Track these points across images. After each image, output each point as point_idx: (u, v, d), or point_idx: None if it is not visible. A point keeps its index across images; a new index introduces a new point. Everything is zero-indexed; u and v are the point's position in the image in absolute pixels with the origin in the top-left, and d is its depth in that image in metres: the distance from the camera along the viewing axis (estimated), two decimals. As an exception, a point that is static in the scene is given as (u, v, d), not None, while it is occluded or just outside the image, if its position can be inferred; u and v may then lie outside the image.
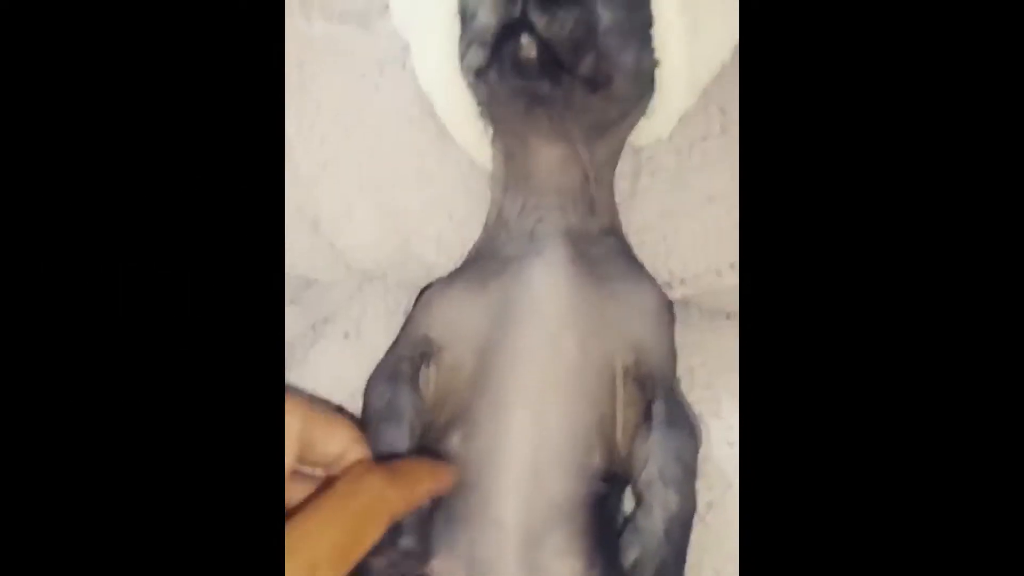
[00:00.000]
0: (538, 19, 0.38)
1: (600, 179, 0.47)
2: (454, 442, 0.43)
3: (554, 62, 0.39)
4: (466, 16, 0.42)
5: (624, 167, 0.50)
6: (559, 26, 0.38)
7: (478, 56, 0.41)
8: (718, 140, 0.49)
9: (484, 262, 0.47)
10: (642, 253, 0.50)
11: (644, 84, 0.44)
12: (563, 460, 0.42)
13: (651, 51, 0.42)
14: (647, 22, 0.42)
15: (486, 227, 0.49)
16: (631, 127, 0.47)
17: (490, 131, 0.47)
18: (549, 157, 0.45)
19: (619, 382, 0.44)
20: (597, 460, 0.42)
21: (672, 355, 0.46)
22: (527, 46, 0.38)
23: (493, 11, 0.39)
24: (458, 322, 0.45)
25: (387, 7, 0.51)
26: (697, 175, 0.50)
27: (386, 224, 0.50)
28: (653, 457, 0.42)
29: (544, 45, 0.38)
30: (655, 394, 0.44)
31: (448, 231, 0.51)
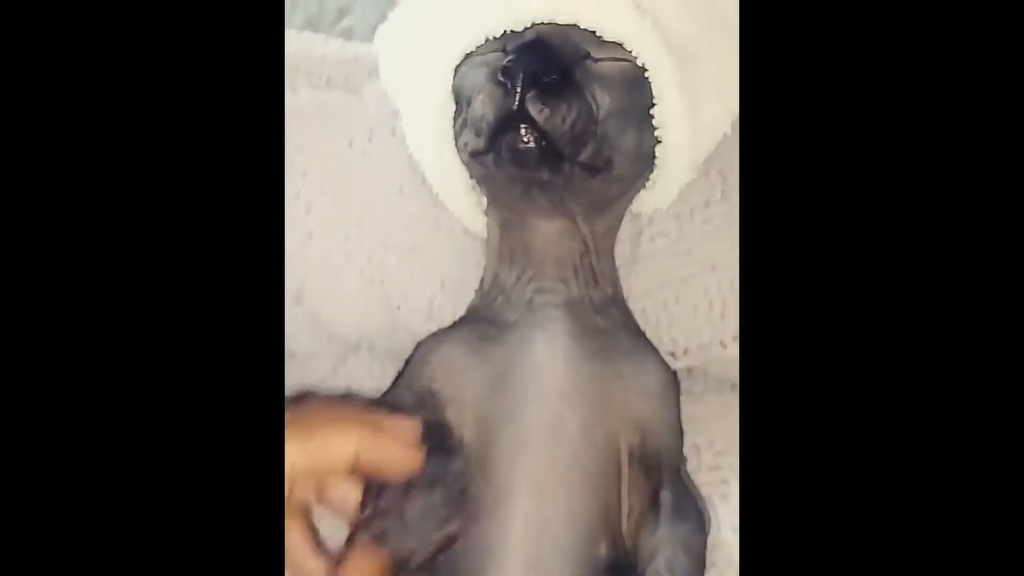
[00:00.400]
0: (536, 112, 0.36)
1: (601, 250, 0.45)
2: (451, 528, 0.40)
3: (553, 153, 0.37)
4: (460, 98, 0.41)
5: (624, 232, 0.48)
6: (559, 119, 0.37)
7: (474, 141, 0.39)
8: (719, 206, 0.48)
9: (481, 325, 0.44)
10: (643, 321, 0.48)
11: (645, 163, 0.43)
12: (568, 551, 0.39)
13: (652, 131, 0.41)
14: (647, 103, 0.40)
15: (480, 291, 0.47)
16: (631, 200, 0.46)
17: (484, 202, 0.46)
18: (548, 230, 0.43)
19: (624, 465, 0.42)
20: (602, 551, 0.40)
21: (679, 434, 0.44)
22: (526, 138, 0.37)
23: (490, 101, 0.38)
24: (458, 380, 0.42)
25: (375, 71, 0.49)
26: (699, 242, 0.48)
27: (373, 293, 0.48)
28: (661, 550, 0.39)
29: (543, 137, 0.37)
30: (662, 480, 0.42)
31: (439, 299, 0.49)
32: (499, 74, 0.37)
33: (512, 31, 0.39)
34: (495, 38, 0.39)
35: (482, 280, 0.47)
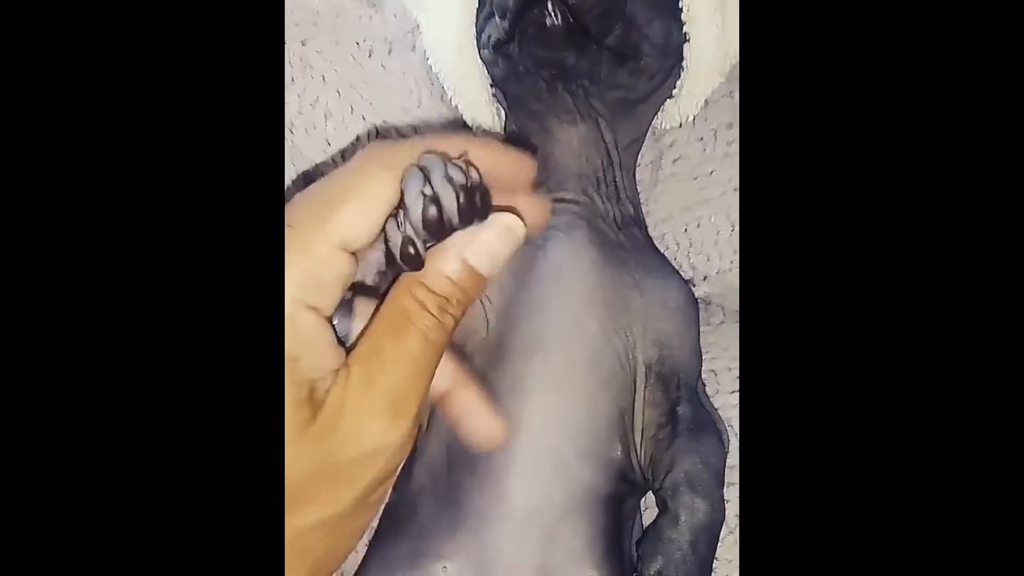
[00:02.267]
0: None
1: (624, 164, 0.44)
2: None
3: (580, 30, 0.36)
4: None
5: (645, 155, 0.47)
6: None
7: (498, 29, 0.38)
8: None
9: None
10: (663, 247, 0.48)
11: (672, 59, 0.41)
12: (583, 448, 0.38)
13: (680, 24, 0.40)
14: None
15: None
16: (656, 107, 0.44)
17: (503, 113, 0.45)
18: (570, 138, 0.42)
19: (640, 378, 0.41)
20: (617, 453, 0.39)
21: (697, 354, 0.43)
22: (552, 12, 0.35)
23: None
24: None
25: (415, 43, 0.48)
26: (720, 164, 0.47)
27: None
28: (679, 462, 0.38)
29: (570, 12, 0.36)
30: (679, 396, 0.41)
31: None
32: None
33: None
34: None
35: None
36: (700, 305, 0.48)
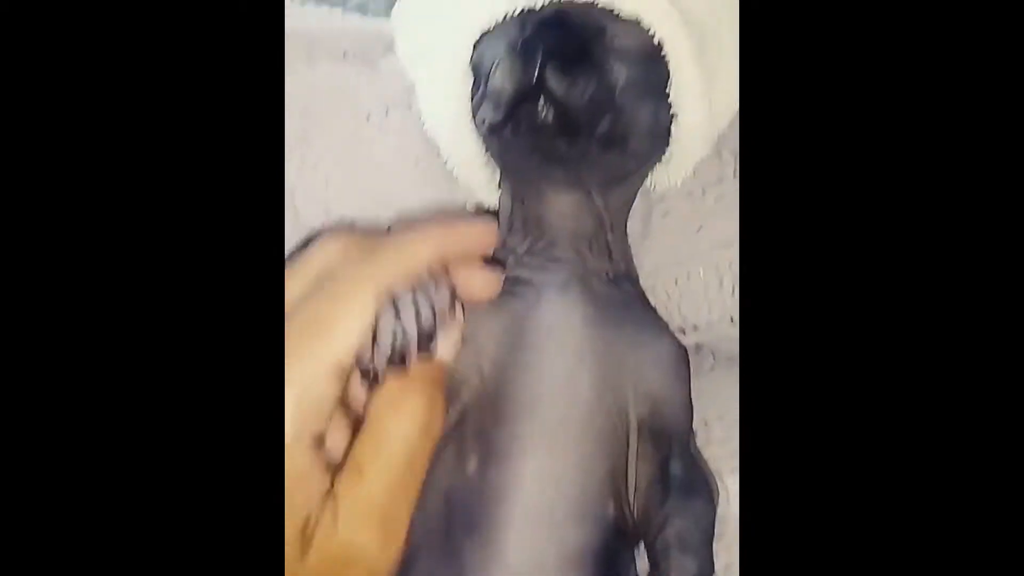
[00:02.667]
0: (555, 85, 0.37)
1: (615, 225, 0.45)
2: (471, 465, 0.41)
3: (570, 124, 0.38)
4: (479, 73, 0.41)
5: (635, 209, 0.49)
6: (578, 92, 0.37)
7: (492, 114, 0.40)
8: (731, 184, 0.48)
9: None
10: (653, 298, 0.49)
11: (660, 138, 0.43)
12: (577, 507, 0.40)
13: (668, 106, 0.41)
14: (664, 78, 0.41)
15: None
16: (646, 175, 0.46)
17: (497, 175, 0.46)
18: (563, 203, 0.44)
19: (633, 433, 0.42)
20: (611, 511, 0.41)
21: (689, 409, 0.44)
22: (544, 111, 0.37)
23: (509, 74, 0.38)
24: (476, 321, 0.42)
25: (392, 46, 0.49)
26: (710, 219, 0.49)
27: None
28: (670, 522, 0.40)
29: (561, 109, 0.37)
30: (671, 451, 0.42)
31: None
32: (518, 47, 0.37)
33: (531, 9, 0.39)
34: (514, 15, 0.40)
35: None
36: (691, 351, 0.50)
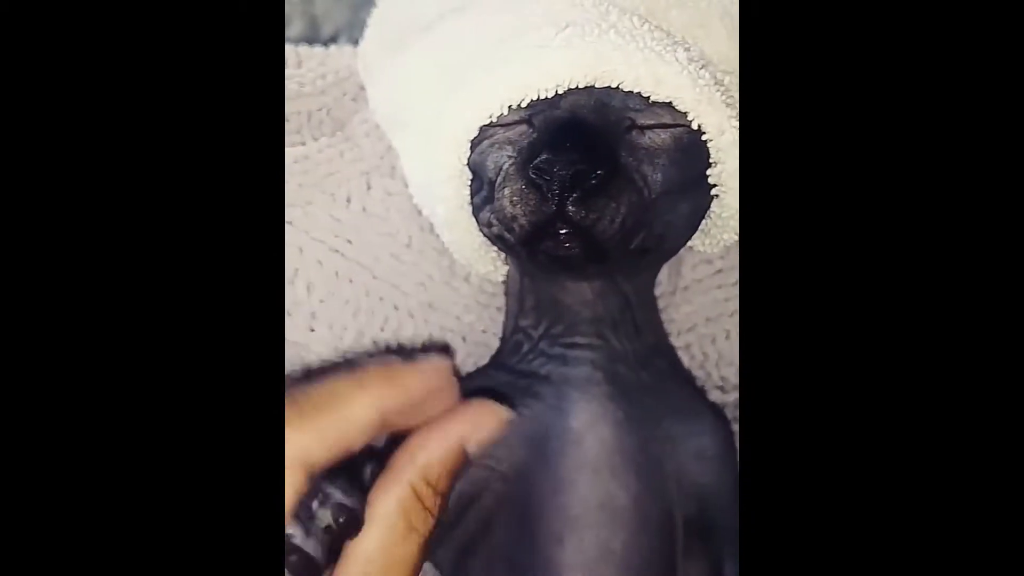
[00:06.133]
0: (579, 218, 0.30)
1: (643, 301, 0.40)
2: None
3: (599, 252, 0.32)
4: (480, 174, 0.35)
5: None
6: (607, 221, 0.31)
7: (502, 230, 0.33)
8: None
9: (511, 376, 0.40)
10: (688, 359, 0.44)
11: (698, 223, 0.37)
12: None
13: (708, 191, 0.35)
14: (704, 162, 0.34)
15: (504, 338, 0.42)
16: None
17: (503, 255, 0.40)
18: (583, 290, 0.38)
19: (680, 535, 0.38)
20: None
21: (737, 496, 0.40)
22: (568, 244, 0.31)
23: (523, 202, 0.31)
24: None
25: (361, 96, 0.42)
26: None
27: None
28: None
29: (587, 239, 0.31)
30: (723, 549, 0.39)
31: (461, 353, 0.44)
32: (531, 171, 0.30)
33: (538, 99, 0.32)
34: (518, 107, 0.32)
35: (504, 328, 0.42)
36: (731, 407, 0.45)
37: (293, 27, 0.51)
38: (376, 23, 0.42)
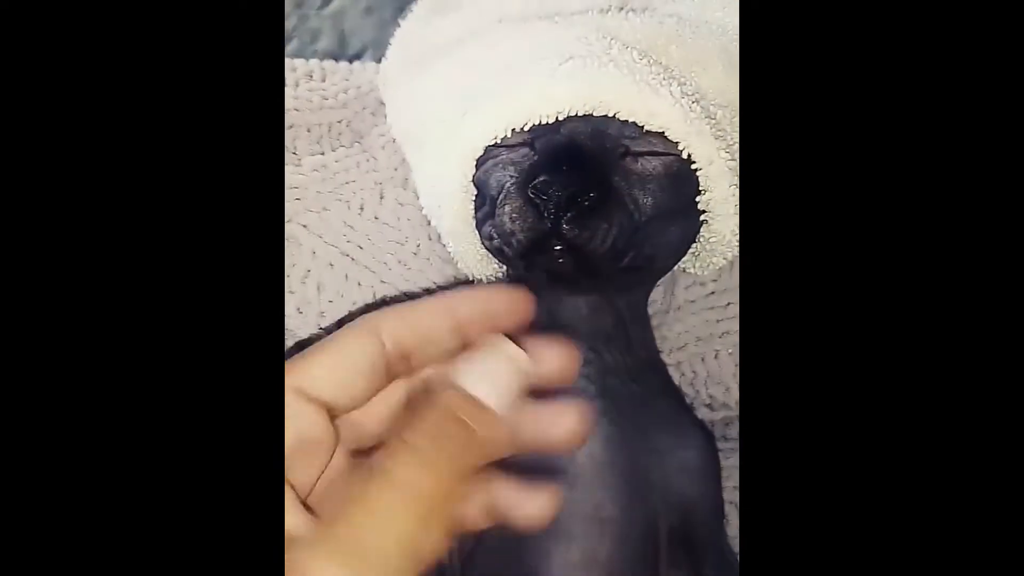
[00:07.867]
0: (573, 236, 0.33)
1: (635, 317, 0.42)
2: None
3: (591, 268, 0.34)
4: (483, 191, 0.37)
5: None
6: (599, 239, 0.33)
7: (501, 245, 0.36)
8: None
9: None
10: (678, 376, 0.46)
11: (688, 248, 0.39)
12: None
13: (696, 217, 0.37)
14: (693, 190, 0.36)
15: None
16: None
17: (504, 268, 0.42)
18: (578, 305, 0.40)
19: (663, 544, 0.40)
20: None
21: (720, 509, 0.42)
22: (561, 259, 0.33)
23: (521, 218, 0.33)
24: None
25: (379, 110, 0.45)
26: (734, 294, 0.45)
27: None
28: None
29: (580, 255, 0.33)
30: (705, 558, 0.40)
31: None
32: (530, 191, 0.33)
33: (540, 124, 0.35)
34: (522, 130, 0.35)
35: None
36: (720, 425, 0.47)
37: (322, 41, 0.54)
38: (399, 43, 0.45)
